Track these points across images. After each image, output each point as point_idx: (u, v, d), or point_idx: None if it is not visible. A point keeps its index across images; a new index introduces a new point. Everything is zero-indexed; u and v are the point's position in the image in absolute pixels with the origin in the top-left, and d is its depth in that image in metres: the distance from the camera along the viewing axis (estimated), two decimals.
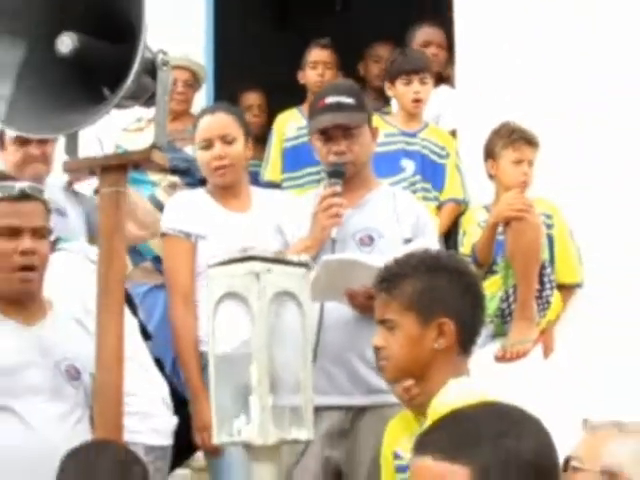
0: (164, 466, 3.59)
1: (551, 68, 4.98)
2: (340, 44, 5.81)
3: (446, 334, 2.58)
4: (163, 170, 4.09)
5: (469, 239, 4.40)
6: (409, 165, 4.65)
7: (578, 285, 4.49)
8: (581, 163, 4.70)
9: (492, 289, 4.29)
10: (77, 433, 2.77)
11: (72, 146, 2.45)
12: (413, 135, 4.79)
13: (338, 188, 3.58)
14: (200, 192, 4.15)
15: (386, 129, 4.62)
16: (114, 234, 2.64)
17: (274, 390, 2.32)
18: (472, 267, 3.25)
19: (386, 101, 5.10)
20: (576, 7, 5.30)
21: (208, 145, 3.93)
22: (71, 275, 3.50)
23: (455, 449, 1.61)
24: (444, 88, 5.21)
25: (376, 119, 4.13)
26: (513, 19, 5.08)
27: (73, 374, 2.92)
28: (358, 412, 3.35)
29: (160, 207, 4.31)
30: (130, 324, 3.10)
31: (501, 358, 4.19)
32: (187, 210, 4.02)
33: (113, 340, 2.64)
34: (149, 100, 2.07)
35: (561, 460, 2.04)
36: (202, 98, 5.41)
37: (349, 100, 3.68)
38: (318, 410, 2.95)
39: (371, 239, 3.58)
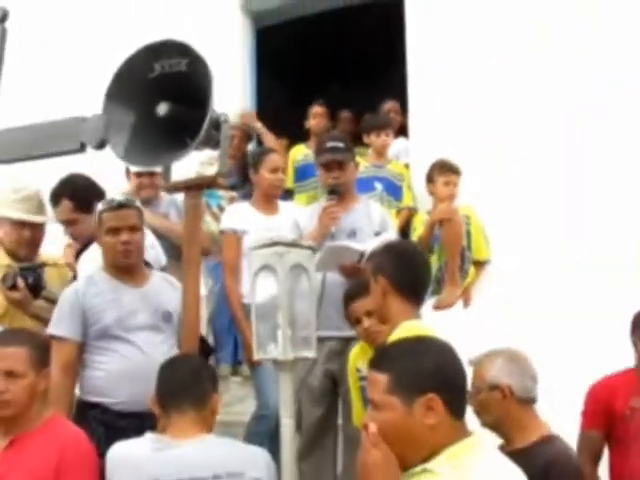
0: None
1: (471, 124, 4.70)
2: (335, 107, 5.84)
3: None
4: (224, 188, 4.13)
5: (417, 232, 4.38)
6: (379, 186, 4.60)
7: (487, 261, 4.45)
8: (492, 180, 4.54)
9: (432, 264, 4.33)
10: (170, 353, 2.76)
11: (167, 173, 2.48)
12: (381, 167, 4.76)
13: (334, 201, 3.64)
14: (245, 204, 4.11)
15: (364, 163, 4.60)
16: (194, 223, 2.65)
17: (292, 326, 2.36)
18: None
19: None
20: (507, 64, 4.68)
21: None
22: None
23: (380, 363, 1.63)
24: (401, 139, 5.15)
25: (358, 157, 4.11)
26: (450, 100, 4.78)
27: (166, 316, 2.89)
28: (347, 340, 3.33)
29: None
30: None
31: (437, 308, 4.19)
32: (236, 216, 3.99)
33: (192, 293, 2.63)
34: (215, 145, 2.05)
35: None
36: None
37: (341, 145, 3.72)
38: (321, 339, 3.01)
39: (355, 233, 3.60)
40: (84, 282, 2.95)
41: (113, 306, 2.85)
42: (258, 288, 2.50)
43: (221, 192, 4.47)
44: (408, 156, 4.94)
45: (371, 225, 3.65)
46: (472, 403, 2.30)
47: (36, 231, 3.48)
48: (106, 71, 2.01)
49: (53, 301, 3.21)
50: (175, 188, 2.79)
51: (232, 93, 5.30)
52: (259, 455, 2.31)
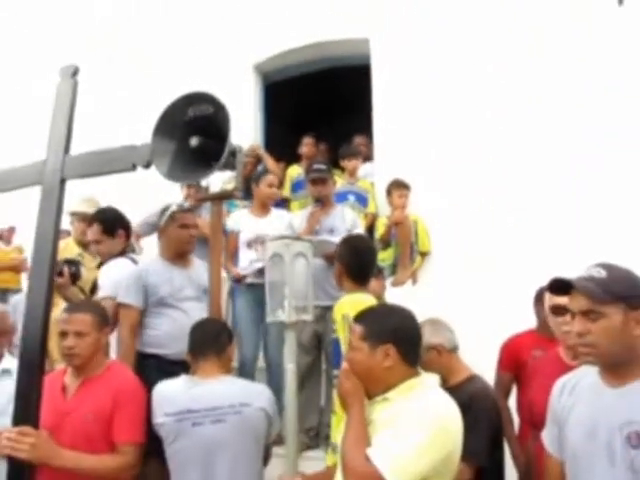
0: None
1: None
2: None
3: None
4: (239, 198, 4.06)
5: (379, 232, 4.36)
6: (351, 197, 4.57)
7: (428, 253, 4.42)
8: (433, 194, 4.47)
9: (389, 254, 4.32)
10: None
11: (200, 188, 2.49)
12: (353, 184, 4.72)
13: (318, 208, 3.65)
14: (245, 212, 4.02)
15: (340, 181, 4.59)
16: (218, 222, 2.69)
17: (294, 297, 2.38)
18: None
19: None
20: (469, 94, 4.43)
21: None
22: None
23: (359, 317, 1.65)
24: (367, 164, 5.09)
25: (336, 176, 4.11)
26: (403, 137, 4.73)
27: (204, 290, 2.82)
28: (326, 309, 3.27)
29: None
30: None
31: (393, 285, 4.20)
32: (233, 220, 3.92)
33: (216, 273, 2.66)
34: (232, 168, 2.03)
35: None
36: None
37: (323, 167, 3.74)
38: (313, 307, 2.98)
39: (333, 230, 3.59)
40: (146, 264, 2.95)
41: (167, 282, 2.83)
42: (271, 269, 2.49)
43: (237, 202, 4.41)
44: (373, 176, 4.90)
45: (345, 225, 3.63)
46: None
47: None
48: (145, 116, 2.06)
49: (82, 289, 3.20)
50: (205, 199, 2.82)
51: (246, 130, 5.28)
52: (264, 390, 2.31)
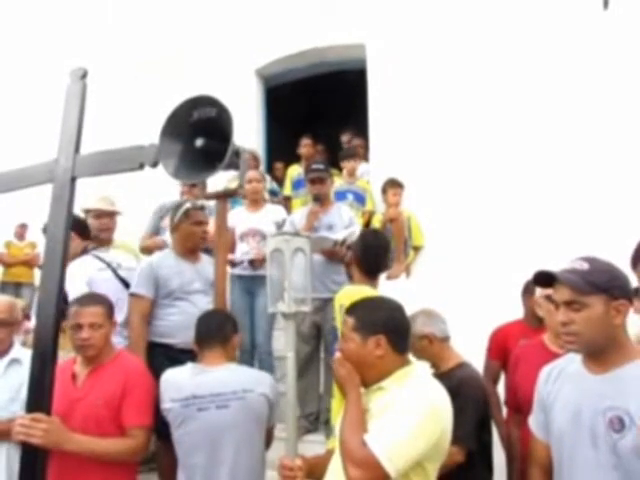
0: None
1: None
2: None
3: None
4: (243, 197, 4.08)
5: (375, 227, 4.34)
6: (350, 196, 4.56)
7: (421, 247, 4.42)
8: (426, 192, 4.48)
9: None
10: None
11: (204, 186, 2.46)
12: (352, 183, 4.72)
13: (317, 206, 3.63)
14: (241, 209, 4.04)
15: (339, 181, 4.60)
16: (223, 219, 2.66)
17: (293, 290, 2.34)
18: None
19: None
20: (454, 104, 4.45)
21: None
22: None
23: (351, 309, 1.64)
24: (365, 164, 5.10)
25: (335, 176, 4.11)
26: (398, 139, 4.73)
27: (212, 284, 2.77)
28: (325, 300, 3.31)
29: None
30: None
31: (388, 278, 4.16)
32: (229, 216, 3.88)
33: (221, 267, 2.65)
34: (236, 168, 2.00)
35: None
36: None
37: (321, 167, 3.70)
38: (312, 299, 2.97)
39: (331, 227, 3.57)
40: (158, 258, 2.93)
41: (177, 276, 2.83)
42: (272, 263, 2.48)
43: (242, 200, 4.43)
44: (369, 176, 4.90)
45: (342, 222, 3.62)
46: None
47: (110, 220, 3.33)
48: (152, 118, 2.05)
49: None
50: (210, 197, 2.82)
51: (248, 132, 5.27)
52: (265, 377, 2.30)
